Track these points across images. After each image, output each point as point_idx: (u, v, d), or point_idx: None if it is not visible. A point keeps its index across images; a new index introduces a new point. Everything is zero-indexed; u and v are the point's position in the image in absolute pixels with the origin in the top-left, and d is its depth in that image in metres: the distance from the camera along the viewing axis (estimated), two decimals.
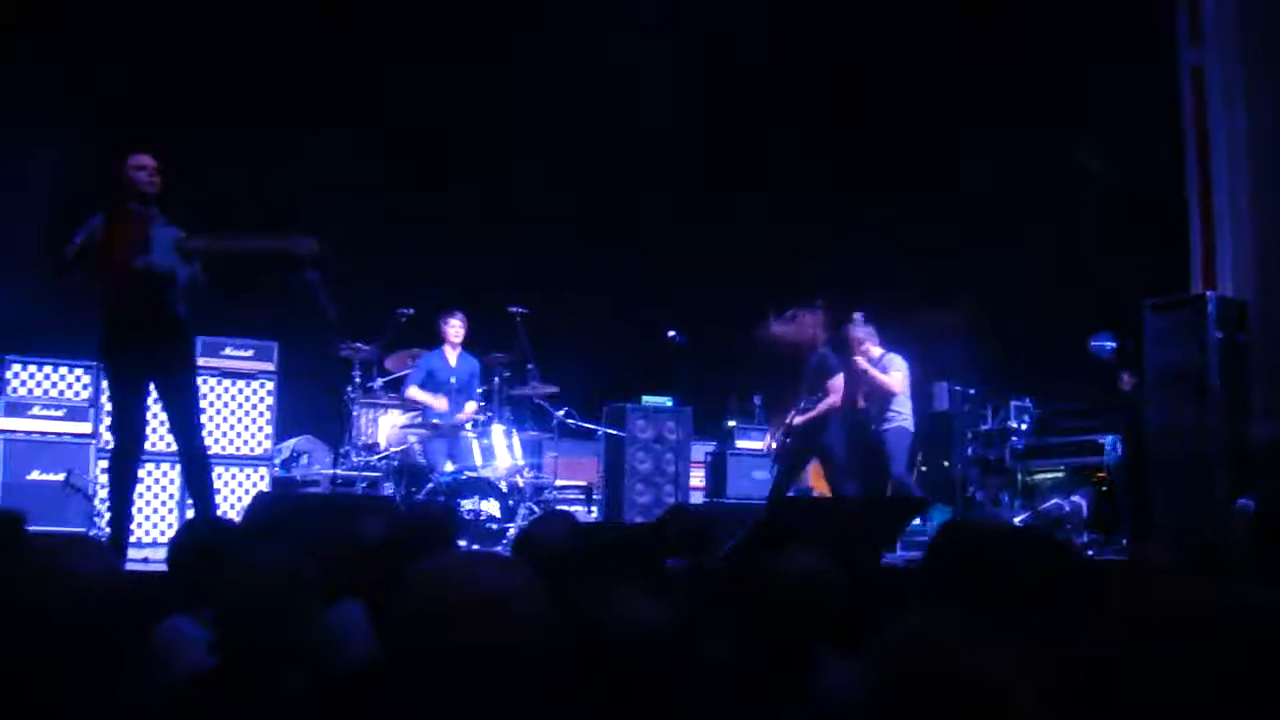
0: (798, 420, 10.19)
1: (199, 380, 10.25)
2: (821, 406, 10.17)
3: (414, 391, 10.42)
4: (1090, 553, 9.83)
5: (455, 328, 10.56)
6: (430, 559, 2.07)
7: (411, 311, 10.31)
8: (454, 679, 1.92)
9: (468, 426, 10.30)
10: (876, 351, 10.60)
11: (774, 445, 10.51)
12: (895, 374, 10.48)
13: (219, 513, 7.59)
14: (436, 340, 10.62)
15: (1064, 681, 1.87)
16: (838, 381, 10.19)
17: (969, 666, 1.81)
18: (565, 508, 11.38)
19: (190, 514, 7.72)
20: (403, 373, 10.88)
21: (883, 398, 10.44)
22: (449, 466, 9.97)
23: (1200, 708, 1.96)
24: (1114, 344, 11.26)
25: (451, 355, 10.58)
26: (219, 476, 10.35)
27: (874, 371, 10.44)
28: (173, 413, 7.54)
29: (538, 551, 3.73)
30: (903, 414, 10.49)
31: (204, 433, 7.91)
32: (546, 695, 1.94)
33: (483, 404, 10.64)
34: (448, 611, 1.95)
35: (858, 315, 10.69)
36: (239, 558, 3.05)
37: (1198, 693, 1.98)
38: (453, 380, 10.52)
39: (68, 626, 2.23)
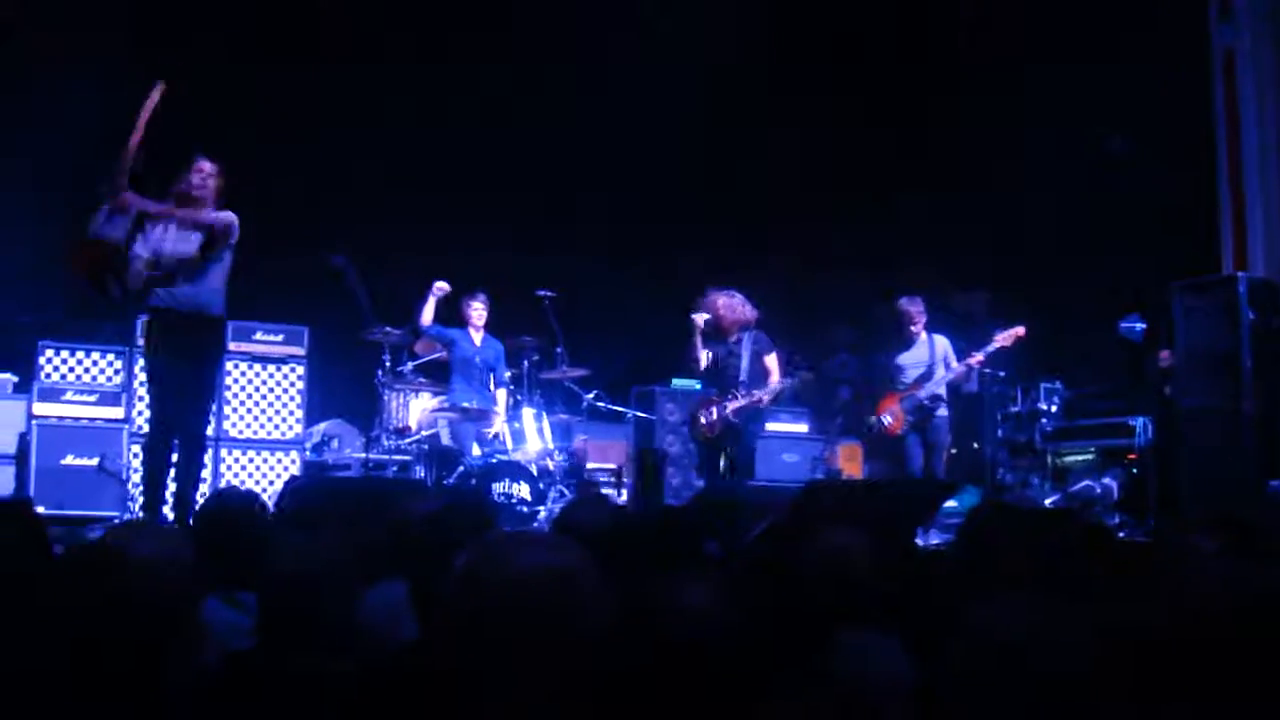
0: (734, 406, 10.06)
1: (230, 364, 10.40)
2: (766, 395, 10.11)
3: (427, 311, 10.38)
4: (1121, 534, 9.81)
5: (478, 310, 10.55)
6: (485, 542, 2.08)
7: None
8: (512, 665, 1.93)
9: (497, 410, 10.32)
10: (924, 334, 10.59)
11: (706, 426, 10.13)
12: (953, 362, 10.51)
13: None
14: (461, 323, 10.63)
15: (1133, 668, 1.88)
16: (773, 360, 10.12)
17: (1047, 657, 1.82)
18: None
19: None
20: (433, 356, 10.90)
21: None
22: (478, 450, 10.01)
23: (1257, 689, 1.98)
24: (1144, 326, 11.21)
25: (476, 336, 10.59)
26: (251, 460, 10.41)
27: (953, 376, 10.47)
28: (188, 396, 7.63)
29: (579, 534, 3.74)
30: (945, 399, 10.55)
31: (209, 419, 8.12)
32: (600, 680, 1.95)
33: (510, 389, 10.66)
34: (515, 591, 1.95)
35: (902, 300, 10.63)
36: (284, 542, 3.08)
37: (1254, 675, 1.99)
38: (478, 360, 10.53)
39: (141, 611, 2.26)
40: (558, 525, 4.21)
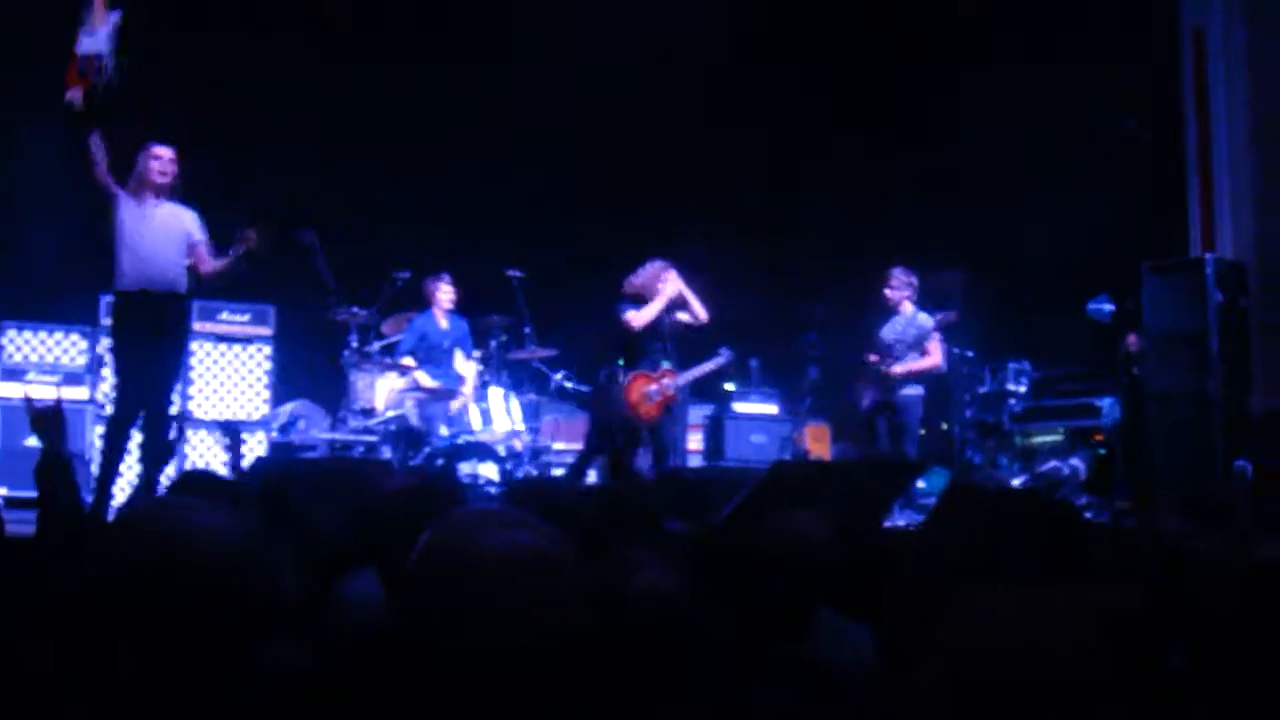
0: (682, 380, 10.00)
1: (195, 344, 10.35)
2: (709, 366, 10.08)
3: (408, 362, 10.36)
4: (1088, 515, 9.84)
5: (446, 291, 10.49)
6: (452, 518, 2.05)
7: (409, 275, 10.26)
8: (478, 644, 1.89)
9: (467, 392, 10.26)
10: (909, 309, 10.29)
11: (651, 405, 9.86)
12: (934, 345, 10.17)
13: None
14: (426, 304, 10.57)
15: (1125, 654, 1.86)
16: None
17: (1039, 645, 1.80)
18: (561, 471, 11.40)
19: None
20: (400, 336, 10.85)
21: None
22: (445, 430, 9.96)
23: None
24: (1112, 307, 11.24)
25: (442, 318, 10.53)
26: (217, 442, 10.34)
27: (918, 367, 10.13)
28: (154, 377, 7.60)
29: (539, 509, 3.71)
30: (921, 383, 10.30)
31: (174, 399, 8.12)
32: (569, 663, 1.92)
33: (480, 367, 10.60)
34: (479, 574, 1.92)
35: (897, 270, 10.35)
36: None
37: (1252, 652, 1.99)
38: (445, 344, 10.48)
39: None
40: (515, 501, 4.16)
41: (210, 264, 7.90)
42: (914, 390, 10.18)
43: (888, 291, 10.31)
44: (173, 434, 5.95)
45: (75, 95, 7.24)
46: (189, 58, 11.10)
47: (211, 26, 11.34)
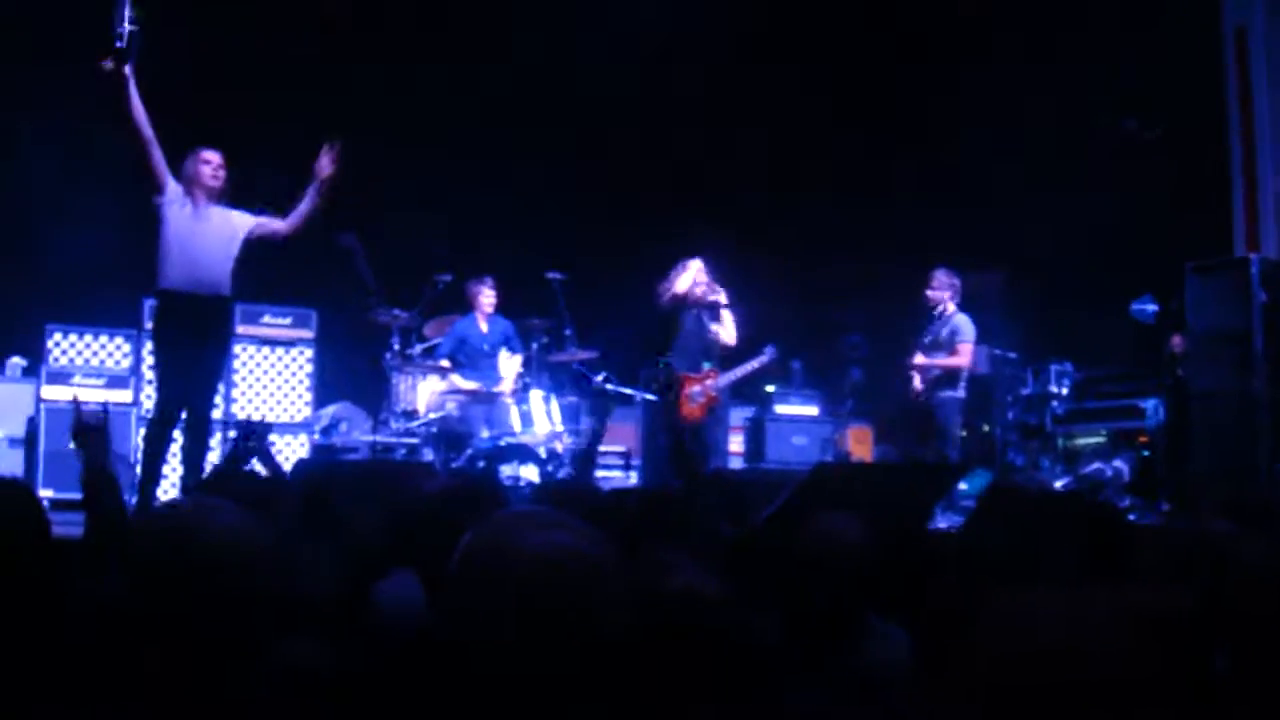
0: (725, 380, 10.02)
1: (238, 347, 10.42)
2: (753, 365, 10.07)
3: (444, 365, 10.39)
4: (1132, 517, 9.77)
5: (488, 295, 10.55)
6: (493, 520, 2.05)
7: (450, 278, 10.28)
8: (517, 645, 1.90)
9: (505, 390, 10.28)
10: (951, 309, 10.24)
11: (695, 406, 9.95)
12: (964, 346, 10.09)
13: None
14: (469, 307, 10.62)
15: (1170, 656, 1.86)
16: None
17: (1076, 644, 1.79)
18: (605, 473, 11.42)
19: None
20: (440, 340, 10.88)
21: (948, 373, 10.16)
22: (486, 432, 9.98)
23: None
24: (1156, 307, 11.16)
25: (483, 321, 10.57)
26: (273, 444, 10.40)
27: (941, 364, 10.09)
28: (196, 380, 7.63)
29: (585, 511, 3.71)
30: (960, 386, 10.23)
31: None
32: (607, 663, 1.92)
33: (521, 367, 10.62)
34: (521, 576, 1.92)
35: (940, 271, 10.32)
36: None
37: None
38: (486, 347, 10.52)
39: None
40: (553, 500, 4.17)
41: (288, 221, 7.95)
42: (950, 393, 10.13)
43: (929, 292, 10.30)
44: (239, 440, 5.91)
45: (104, 63, 7.25)
46: (230, 62, 11.17)
47: (249, 28, 11.39)
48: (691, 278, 9.85)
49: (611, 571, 1.98)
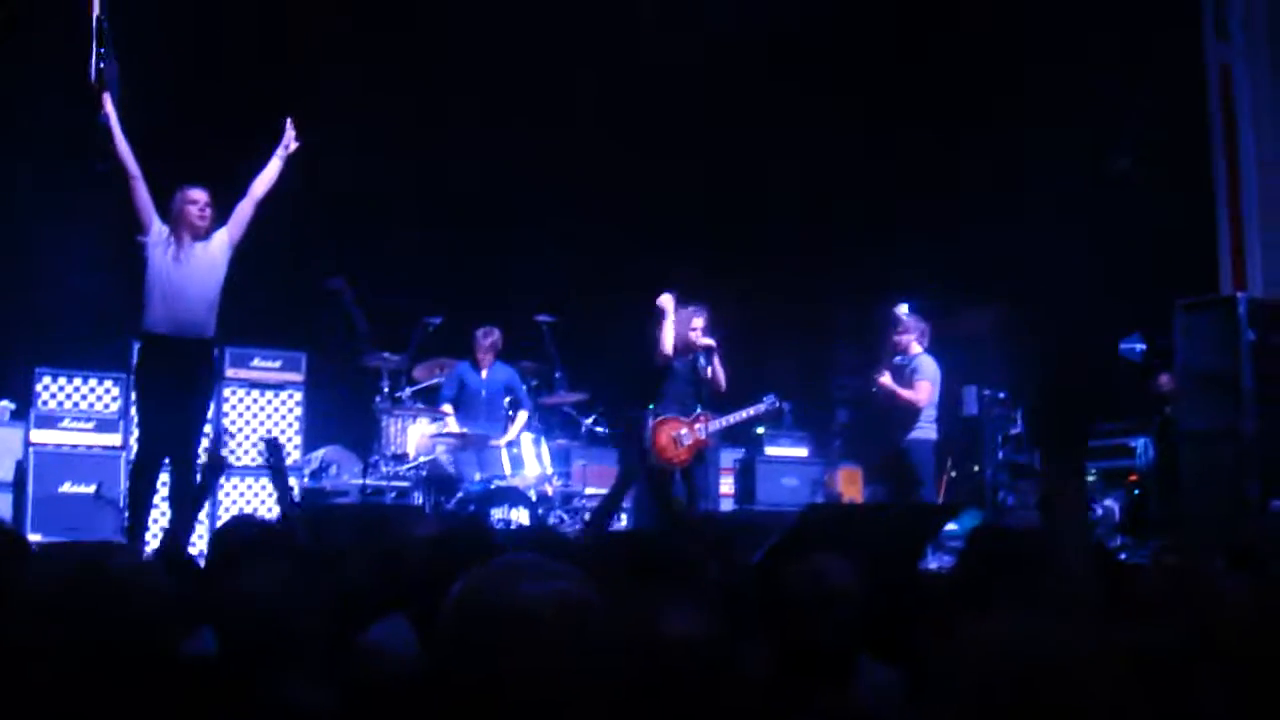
0: (718, 425, 9.98)
1: (228, 390, 10.42)
2: (749, 412, 10.07)
3: (446, 410, 10.41)
4: (1123, 556, 9.77)
5: (486, 351, 10.54)
6: (489, 565, 2.06)
7: (440, 320, 10.30)
8: (503, 691, 1.90)
9: (497, 440, 10.27)
10: (916, 349, 10.24)
11: (681, 450, 9.76)
12: (923, 384, 10.05)
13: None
14: (466, 351, 10.63)
15: (1142, 682, 1.86)
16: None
17: (1052, 669, 1.80)
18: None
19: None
20: (432, 382, 10.88)
21: (905, 407, 10.21)
22: (478, 476, 9.97)
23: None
24: (1144, 346, 11.19)
25: (484, 369, 10.58)
26: (250, 487, 10.38)
27: (898, 391, 10.07)
28: (180, 422, 7.58)
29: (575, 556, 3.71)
30: (924, 425, 10.16)
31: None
32: (595, 706, 1.92)
33: (530, 413, 10.62)
34: (509, 624, 1.92)
35: (902, 306, 10.33)
36: (233, 574, 3.02)
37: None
38: (483, 393, 10.52)
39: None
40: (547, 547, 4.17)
41: (251, 190, 7.93)
42: (917, 434, 10.12)
43: (897, 337, 10.29)
44: (209, 474, 5.91)
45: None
46: (215, 101, 11.20)
47: (235, 65, 11.43)
48: (688, 325, 9.78)
49: (600, 617, 1.99)
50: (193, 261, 7.57)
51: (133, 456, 7.85)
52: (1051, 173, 11.93)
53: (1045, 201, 11.78)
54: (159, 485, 7.67)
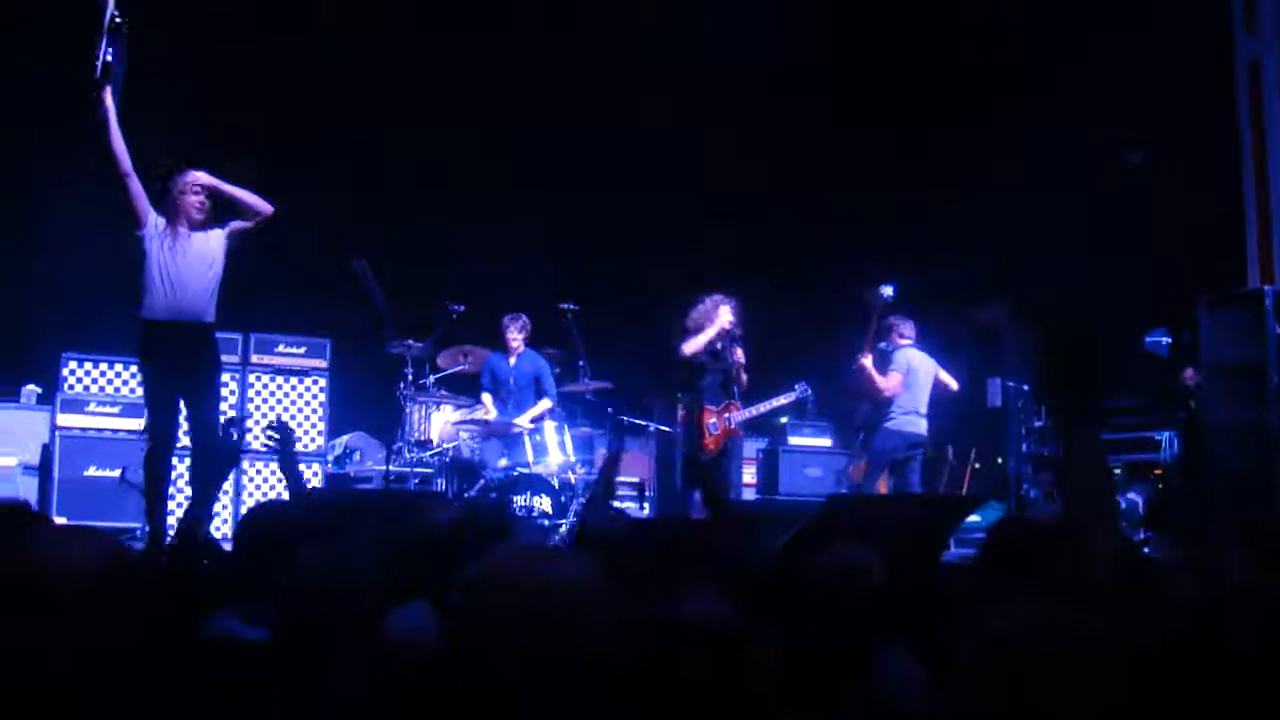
0: (747, 414, 9.95)
1: (252, 377, 10.44)
2: (781, 400, 10.06)
3: (486, 400, 10.48)
4: (1147, 550, 9.74)
5: (515, 337, 10.58)
6: (494, 555, 2.06)
7: (463, 308, 10.32)
8: (517, 678, 1.91)
9: (522, 424, 10.31)
10: (903, 343, 10.40)
11: (714, 438, 9.74)
12: (893, 374, 10.23)
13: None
14: (493, 339, 10.66)
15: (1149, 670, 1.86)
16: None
17: (1067, 657, 1.80)
18: (617, 504, 11.39)
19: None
20: (456, 369, 10.91)
21: (874, 396, 10.27)
22: (502, 463, 10.00)
23: None
24: (1170, 340, 11.15)
25: (511, 357, 10.61)
26: (274, 473, 10.41)
27: (873, 375, 10.18)
28: (195, 410, 7.58)
29: (600, 546, 3.72)
30: (894, 416, 10.33)
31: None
32: (610, 695, 1.93)
33: (554, 402, 10.65)
34: (514, 609, 1.93)
35: (887, 288, 10.33)
36: (305, 555, 3.05)
37: None
38: (511, 382, 10.55)
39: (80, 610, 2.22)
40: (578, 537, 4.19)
41: (247, 226, 7.80)
42: (889, 423, 10.35)
43: (888, 321, 10.36)
44: (224, 463, 5.89)
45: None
46: (239, 87, 11.24)
47: (262, 58, 11.46)
48: (721, 318, 9.75)
49: (605, 602, 2.00)
50: (191, 251, 7.49)
51: (144, 444, 7.81)
52: (1077, 166, 11.89)
53: (1066, 194, 11.72)
54: (176, 470, 7.70)
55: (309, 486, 10.07)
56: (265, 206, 7.68)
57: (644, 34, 12.50)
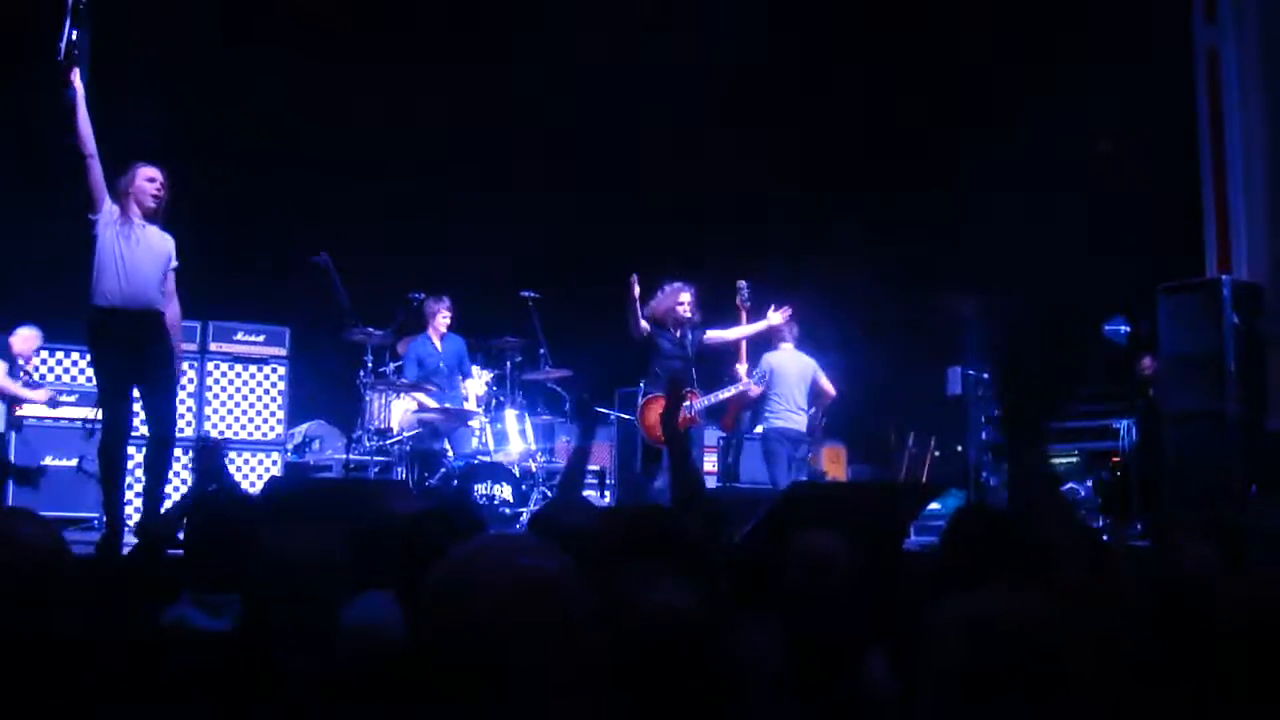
0: (704, 403, 9.95)
1: (211, 365, 10.39)
2: (734, 390, 10.10)
3: (428, 389, 10.43)
4: (1105, 537, 9.80)
5: (444, 316, 10.55)
6: (467, 544, 2.05)
7: (423, 296, 10.28)
8: (488, 666, 1.90)
9: (479, 411, 10.29)
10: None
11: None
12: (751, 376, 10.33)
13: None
14: (424, 326, 10.61)
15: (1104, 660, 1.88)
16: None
17: (1031, 639, 1.81)
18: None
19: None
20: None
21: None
22: (470, 447, 9.99)
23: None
24: (1128, 329, 11.22)
25: (437, 340, 10.57)
26: (232, 461, 10.35)
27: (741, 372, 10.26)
28: (150, 397, 7.53)
29: (558, 534, 3.70)
30: (774, 412, 10.48)
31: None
32: (581, 683, 1.92)
33: (493, 389, 10.61)
34: (484, 597, 1.93)
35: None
36: (273, 542, 3.03)
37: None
38: (441, 365, 10.52)
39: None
40: (534, 524, 4.17)
41: (170, 303, 7.76)
42: (763, 421, 10.63)
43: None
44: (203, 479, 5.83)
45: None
46: (201, 79, 11.17)
47: (226, 45, 11.39)
48: (675, 300, 9.78)
49: (580, 592, 1.99)
50: (143, 241, 7.44)
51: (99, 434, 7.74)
52: (1037, 157, 11.94)
53: (1025, 184, 11.77)
54: (133, 460, 7.68)
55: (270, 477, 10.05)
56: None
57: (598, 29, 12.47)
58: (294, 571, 2.93)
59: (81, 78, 7.26)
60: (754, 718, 2.22)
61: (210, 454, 5.54)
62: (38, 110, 7.84)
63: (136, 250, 7.41)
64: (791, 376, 10.47)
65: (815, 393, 10.65)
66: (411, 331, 10.72)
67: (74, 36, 7.19)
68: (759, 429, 10.75)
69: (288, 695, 2.52)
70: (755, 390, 10.17)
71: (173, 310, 7.63)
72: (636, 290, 9.69)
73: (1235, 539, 3.66)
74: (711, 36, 12.29)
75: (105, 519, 7.31)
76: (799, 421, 10.54)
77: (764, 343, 10.40)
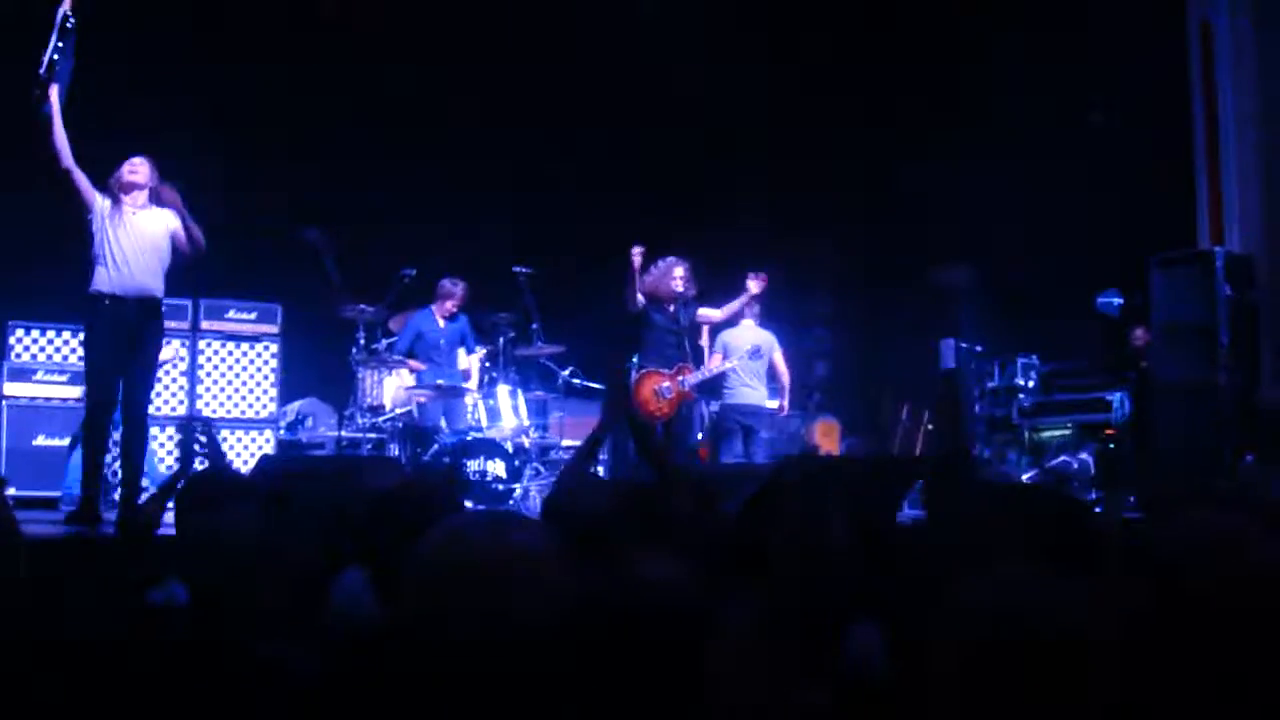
0: (697, 378, 9.99)
1: (202, 343, 10.39)
2: (728, 364, 10.11)
3: (415, 365, 10.40)
4: (1098, 510, 9.80)
5: (456, 302, 10.53)
6: (448, 523, 2.04)
7: (415, 272, 10.24)
8: (467, 644, 1.89)
9: (472, 388, 10.28)
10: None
11: (663, 404, 9.86)
12: (714, 355, 10.40)
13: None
14: (430, 301, 10.58)
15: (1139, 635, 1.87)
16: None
17: (1050, 623, 1.80)
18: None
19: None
20: None
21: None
22: (464, 423, 9.98)
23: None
24: (1121, 300, 11.21)
25: (440, 318, 10.55)
26: (224, 440, 10.33)
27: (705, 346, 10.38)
28: (132, 381, 7.59)
29: (578, 517, 3.70)
30: (730, 388, 10.44)
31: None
32: (565, 661, 1.91)
33: (486, 365, 10.59)
34: (472, 578, 1.92)
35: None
36: (204, 523, 3.00)
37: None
38: (442, 342, 10.51)
39: None
40: (549, 507, 4.17)
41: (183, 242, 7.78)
42: (721, 398, 10.59)
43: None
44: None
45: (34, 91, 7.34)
46: (195, 57, 11.12)
47: (216, 26, 11.33)
48: (669, 275, 9.80)
49: (561, 567, 1.98)
50: (136, 229, 7.58)
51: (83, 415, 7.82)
52: (1028, 127, 11.92)
53: (1017, 156, 11.74)
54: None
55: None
56: (199, 241, 7.66)
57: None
58: (220, 553, 2.89)
59: (64, 92, 7.37)
60: (744, 694, 2.21)
61: (202, 433, 5.49)
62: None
63: (131, 241, 7.57)
64: (746, 351, 10.43)
65: (771, 372, 10.60)
66: (405, 307, 10.70)
67: (55, 56, 7.29)
68: (714, 406, 10.70)
69: (263, 678, 2.49)
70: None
71: (196, 234, 7.71)
72: (638, 263, 9.72)
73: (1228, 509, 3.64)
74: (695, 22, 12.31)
75: (82, 496, 7.38)
76: (755, 396, 10.52)
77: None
